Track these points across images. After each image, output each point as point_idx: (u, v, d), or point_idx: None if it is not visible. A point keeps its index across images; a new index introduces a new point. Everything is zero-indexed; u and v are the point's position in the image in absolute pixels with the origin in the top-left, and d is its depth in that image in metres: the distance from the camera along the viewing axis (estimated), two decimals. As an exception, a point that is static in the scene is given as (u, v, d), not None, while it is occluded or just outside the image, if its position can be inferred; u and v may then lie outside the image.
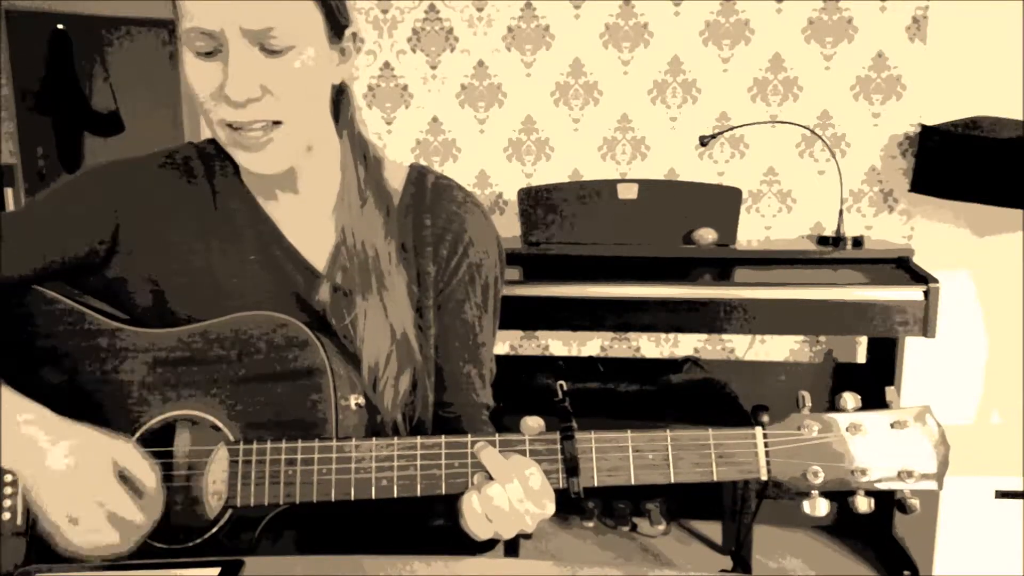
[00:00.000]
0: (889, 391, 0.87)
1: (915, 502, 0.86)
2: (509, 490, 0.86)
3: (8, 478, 0.97)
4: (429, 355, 1.07)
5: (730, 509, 2.55)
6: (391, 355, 1.01)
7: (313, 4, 0.91)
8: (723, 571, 2.41)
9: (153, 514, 0.92)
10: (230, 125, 0.92)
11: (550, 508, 0.89)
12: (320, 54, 0.93)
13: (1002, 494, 2.23)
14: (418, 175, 1.10)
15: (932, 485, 0.86)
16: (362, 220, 1.03)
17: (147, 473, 0.92)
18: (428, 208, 1.07)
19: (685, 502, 2.75)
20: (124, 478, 0.91)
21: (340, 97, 1.05)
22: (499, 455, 0.88)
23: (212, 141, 1.08)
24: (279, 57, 0.90)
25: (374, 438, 0.91)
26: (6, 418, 0.90)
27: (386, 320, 1.01)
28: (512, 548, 2.21)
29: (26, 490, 0.91)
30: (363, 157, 1.06)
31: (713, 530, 2.70)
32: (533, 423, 0.91)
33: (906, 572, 2.43)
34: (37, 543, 0.96)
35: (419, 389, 1.05)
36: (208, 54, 0.89)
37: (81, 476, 0.89)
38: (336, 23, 0.94)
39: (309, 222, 1.06)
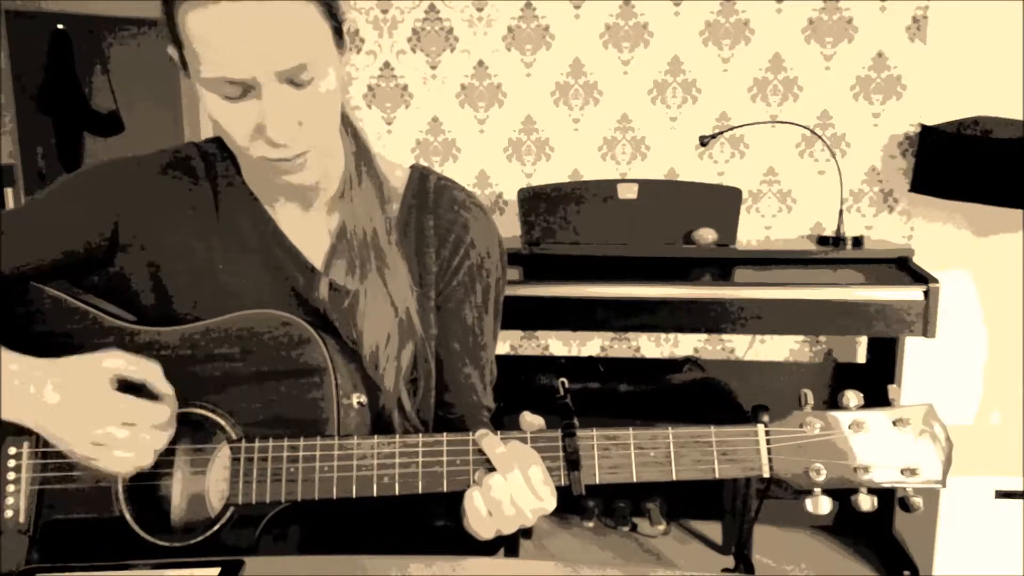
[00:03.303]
0: (892, 389, 0.87)
1: (918, 500, 0.85)
2: (510, 479, 0.87)
3: (10, 476, 0.97)
4: (431, 332, 1.07)
5: (731, 509, 2.55)
6: (392, 332, 1.02)
7: (326, 24, 0.91)
8: (725, 570, 2.41)
9: (171, 403, 0.93)
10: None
11: (550, 502, 0.89)
12: (335, 69, 0.93)
13: (1002, 494, 2.23)
14: (420, 176, 1.10)
15: (936, 483, 0.86)
16: (359, 199, 1.04)
17: (146, 368, 0.93)
18: (430, 209, 1.07)
19: (685, 502, 2.75)
20: (127, 388, 0.92)
21: None
22: (500, 442, 0.88)
23: (213, 140, 1.08)
24: (308, 87, 0.90)
25: (376, 436, 0.91)
26: None
27: (387, 298, 1.02)
28: (512, 548, 2.21)
29: (42, 435, 0.92)
30: (354, 136, 1.07)
31: (713, 530, 2.70)
32: (532, 419, 0.91)
33: (906, 572, 2.43)
34: (39, 542, 0.97)
35: (420, 365, 1.05)
36: (237, 96, 0.89)
37: (79, 401, 0.90)
38: (338, 29, 0.94)
39: (310, 221, 1.06)
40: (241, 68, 0.86)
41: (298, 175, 0.96)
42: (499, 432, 0.90)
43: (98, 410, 0.90)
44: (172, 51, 0.93)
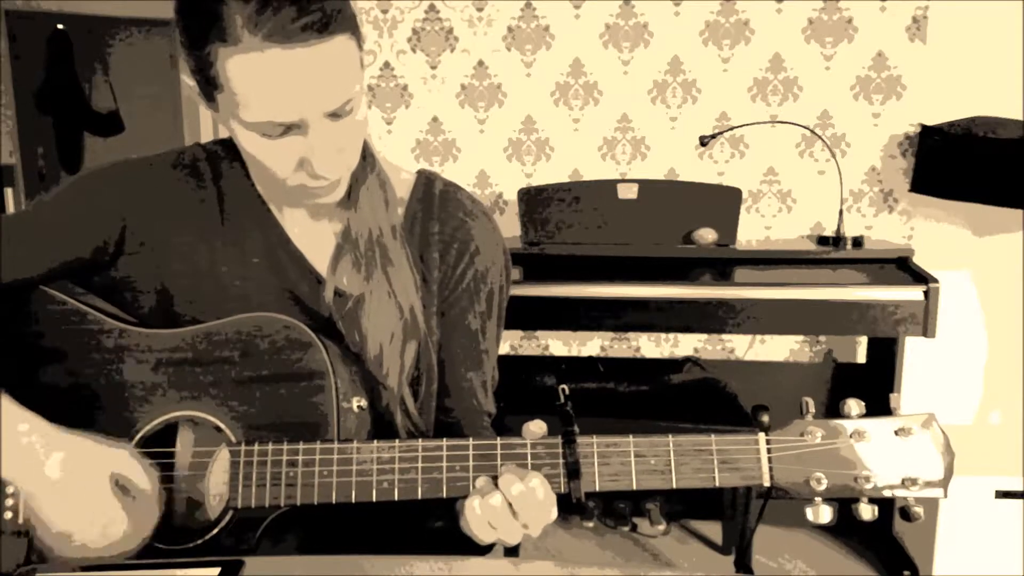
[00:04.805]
0: (893, 397, 0.86)
1: (919, 510, 0.85)
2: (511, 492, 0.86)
3: (11, 478, 0.97)
4: (434, 336, 1.07)
5: (731, 509, 2.55)
6: (396, 330, 1.01)
7: (359, 54, 0.91)
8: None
9: (151, 519, 0.92)
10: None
11: (553, 513, 0.89)
12: (364, 93, 0.94)
13: (1002, 494, 2.24)
14: (426, 181, 1.10)
15: (937, 493, 0.85)
16: (364, 198, 1.04)
17: (143, 478, 0.92)
18: (435, 215, 1.07)
19: (685, 502, 2.75)
20: (123, 488, 0.91)
21: None
22: (518, 480, 0.86)
23: (220, 143, 1.08)
24: (347, 117, 0.90)
25: (375, 440, 0.91)
26: (5, 429, 0.90)
27: (392, 297, 1.02)
28: (512, 548, 2.21)
29: (27, 500, 0.91)
30: None
31: (713, 530, 2.70)
32: (536, 428, 0.90)
33: (906, 572, 2.43)
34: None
35: (423, 363, 1.05)
36: (280, 133, 0.88)
37: (77, 485, 0.89)
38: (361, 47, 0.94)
39: (316, 224, 1.06)
40: (290, 112, 0.86)
41: (329, 196, 0.97)
42: (500, 437, 0.90)
43: (90, 503, 0.89)
44: (191, 81, 0.92)
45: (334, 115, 0.88)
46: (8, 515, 0.97)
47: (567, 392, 0.91)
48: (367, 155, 1.07)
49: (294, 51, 0.82)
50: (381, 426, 1.02)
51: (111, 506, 0.89)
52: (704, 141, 2.56)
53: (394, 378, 1.01)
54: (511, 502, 0.86)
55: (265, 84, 0.84)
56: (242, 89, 0.85)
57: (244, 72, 0.84)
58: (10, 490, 0.97)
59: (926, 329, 2.16)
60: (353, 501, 0.90)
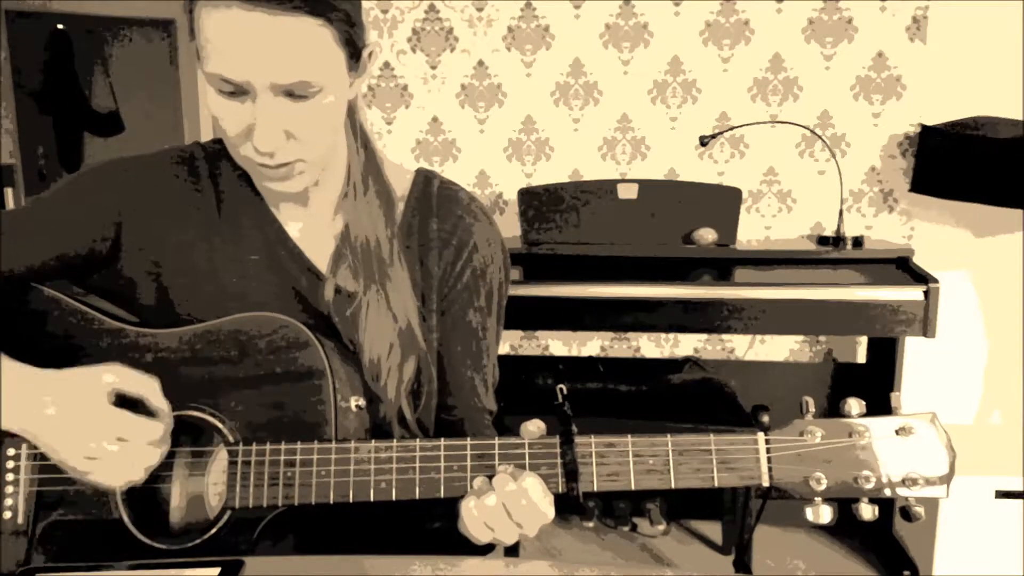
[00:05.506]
0: (894, 396, 0.86)
1: (920, 510, 0.84)
2: (507, 493, 0.86)
3: (9, 477, 0.97)
4: (432, 343, 1.07)
5: (730, 509, 2.55)
6: (394, 344, 1.01)
7: (340, 51, 0.91)
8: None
9: (166, 420, 0.93)
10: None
11: (550, 513, 0.88)
12: (342, 87, 0.93)
13: (1002, 494, 2.23)
14: (424, 179, 1.10)
15: (939, 492, 0.85)
16: (363, 209, 1.04)
17: (144, 383, 0.93)
18: (434, 213, 1.07)
19: (685, 502, 2.75)
20: (125, 403, 0.92)
21: None
22: (511, 479, 0.87)
23: (219, 141, 1.08)
24: (306, 101, 0.90)
25: (373, 440, 0.91)
26: (4, 381, 0.91)
27: (388, 310, 1.02)
28: (512, 547, 2.21)
29: (38, 446, 0.92)
30: (364, 146, 1.07)
31: (713, 530, 2.70)
32: (534, 428, 0.90)
33: (906, 572, 2.43)
34: (39, 542, 0.97)
35: (424, 374, 1.05)
36: (231, 93, 0.89)
37: (76, 414, 0.90)
38: (356, 51, 0.94)
39: (315, 223, 1.06)
40: (237, 71, 0.86)
41: (282, 183, 0.97)
42: (498, 437, 0.90)
43: (93, 424, 0.90)
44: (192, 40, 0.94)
45: (289, 93, 0.88)
46: (8, 515, 0.97)
47: (565, 392, 0.90)
48: (371, 163, 1.06)
49: (253, 14, 0.84)
50: (379, 435, 1.02)
51: (118, 419, 0.90)
52: (704, 141, 2.56)
53: (392, 391, 1.01)
54: (505, 502, 0.86)
55: (221, 38, 0.86)
56: (204, 39, 0.87)
57: (209, 23, 0.86)
58: (9, 490, 0.97)
59: (926, 329, 2.16)
60: (351, 501, 0.90)
